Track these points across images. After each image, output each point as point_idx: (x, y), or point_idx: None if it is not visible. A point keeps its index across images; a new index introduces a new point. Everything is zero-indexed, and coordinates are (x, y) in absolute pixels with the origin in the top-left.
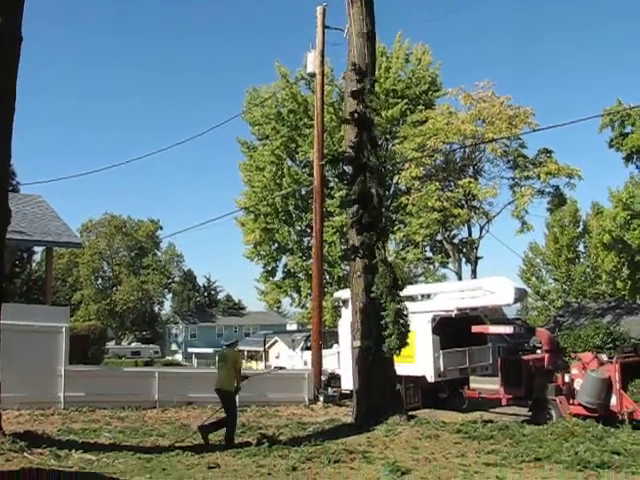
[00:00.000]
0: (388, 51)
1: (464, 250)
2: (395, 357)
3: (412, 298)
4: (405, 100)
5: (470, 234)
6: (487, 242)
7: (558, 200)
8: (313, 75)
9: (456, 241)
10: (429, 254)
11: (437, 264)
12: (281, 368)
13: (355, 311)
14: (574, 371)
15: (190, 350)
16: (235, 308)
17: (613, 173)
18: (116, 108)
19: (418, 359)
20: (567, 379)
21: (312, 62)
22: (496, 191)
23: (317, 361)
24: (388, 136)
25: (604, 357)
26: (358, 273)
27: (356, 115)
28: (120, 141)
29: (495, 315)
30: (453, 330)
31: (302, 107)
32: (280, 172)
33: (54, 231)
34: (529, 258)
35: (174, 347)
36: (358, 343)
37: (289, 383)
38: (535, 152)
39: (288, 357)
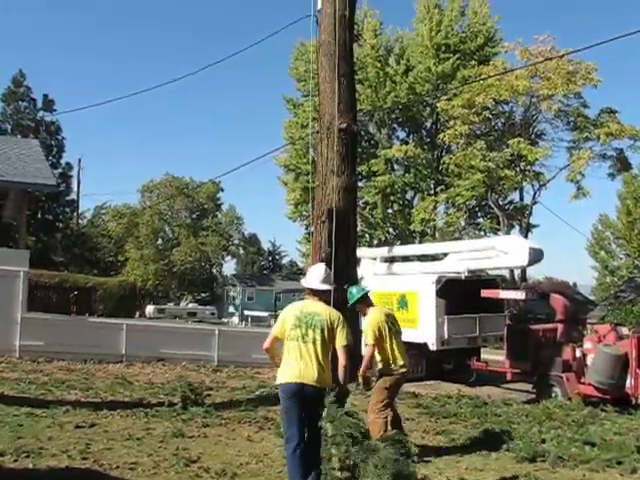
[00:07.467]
0: (444, 5)
1: (518, 217)
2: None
3: (432, 257)
4: (457, 55)
5: (522, 199)
6: (544, 211)
7: (621, 164)
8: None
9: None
10: (480, 220)
11: (486, 230)
12: None
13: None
14: (587, 345)
15: (246, 313)
16: (298, 273)
17: None
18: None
19: (421, 324)
20: (579, 354)
21: None
22: (547, 152)
23: None
24: (438, 93)
25: (625, 330)
26: (323, 218)
27: None
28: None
29: (567, 291)
30: (463, 294)
31: None
32: None
33: (32, 173)
34: (598, 231)
35: (231, 309)
36: None
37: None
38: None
39: None
